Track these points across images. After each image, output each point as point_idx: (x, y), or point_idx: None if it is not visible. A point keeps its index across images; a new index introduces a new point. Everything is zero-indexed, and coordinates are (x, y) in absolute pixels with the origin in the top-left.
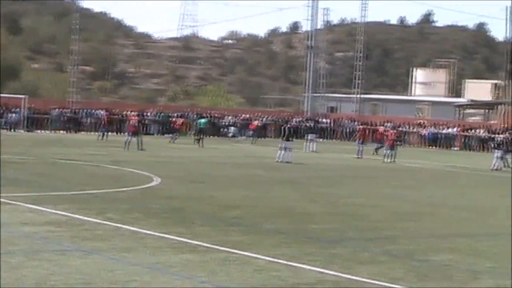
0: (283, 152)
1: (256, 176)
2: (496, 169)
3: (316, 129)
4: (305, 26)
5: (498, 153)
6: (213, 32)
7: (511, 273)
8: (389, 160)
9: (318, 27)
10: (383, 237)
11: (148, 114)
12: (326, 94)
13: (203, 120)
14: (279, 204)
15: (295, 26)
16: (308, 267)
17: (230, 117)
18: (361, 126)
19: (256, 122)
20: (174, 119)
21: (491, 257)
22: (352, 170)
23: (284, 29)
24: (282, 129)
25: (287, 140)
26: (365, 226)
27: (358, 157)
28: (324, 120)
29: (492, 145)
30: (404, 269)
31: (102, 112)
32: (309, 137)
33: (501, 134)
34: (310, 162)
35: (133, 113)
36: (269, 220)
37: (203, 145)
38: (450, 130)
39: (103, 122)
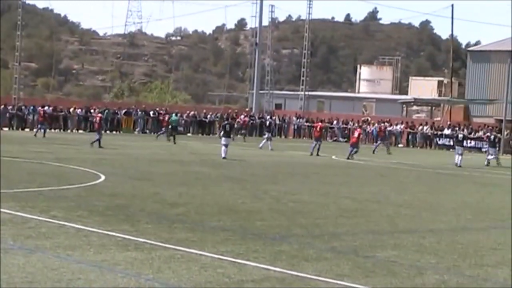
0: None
1: (201, 173)
2: (460, 166)
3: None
4: (251, 23)
5: (459, 150)
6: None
7: (455, 268)
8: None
9: (264, 24)
10: (329, 233)
11: (92, 111)
12: (272, 91)
13: (174, 118)
14: (224, 201)
15: (241, 23)
16: (254, 264)
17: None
18: (319, 124)
19: (245, 118)
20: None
21: (436, 253)
22: (298, 167)
23: (230, 26)
24: (222, 126)
25: (227, 136)
26: (311, 222)
27: (311, 154)
28: (269, 117)
29: (455, 142)
30: (350, 265)
31: (46, 109)
32: (266, 135)
33: (446, 130)
34: (256, 159)
35: (97, 110)
36: (215, 217)
37: (175, 142)
38: (397, 127)
39: (39, 118)
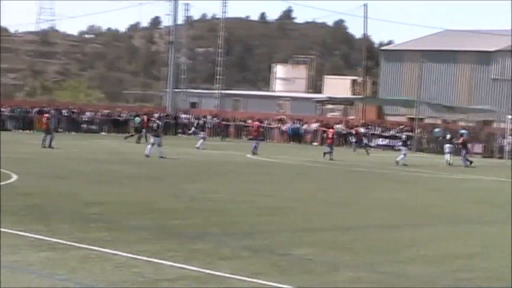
0: (150, 146)
1: (118, 172)
2: (405, 164)
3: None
4: (166, 21)
5: (404, 150)
6: (72, 26)
7: (370, 265)
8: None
9: (179, 22)
10: (244, 232)
11: (3, 109)
12: (188, 90)
13: (138, 119)
14: (141, 200)
15: (156, 21)
16: (169, 263)
17: (89, 113)
18: (256, 123)
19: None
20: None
21: (350, 250)
22: (215, 166)
23: (144, 24)
24: (152, 125)
25: (156, 136)
26: (227, 221)
27: (254, 154)
28: (184, 115)
29: (399, 142)
30: (265, 263)
31: None
32: (201, 135)
33: (361, 128)
34: (174, 158)
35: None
36: (130, 216)
37: (140, 142)
38: (312, 125)
39: None
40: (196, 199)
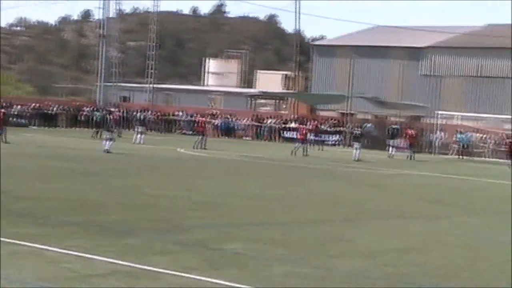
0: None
1: (49, 167)
2: (358, 160)
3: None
4: (97, 15)
5: (357, 145)
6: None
7: (302, 260)
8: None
9: (110, 15)
10: (177, 227)
11: None
12: (119, 84)
13: (98, 114)
14: (73, 196)
15: (86, 14)
16: (101, 258)
17: (19, 106)
18: (201, 118)
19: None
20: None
21: (283, 244)
22: (148, 161)
23: (75, 17)
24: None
25: (109, 130)
26: (159, 216)
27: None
28: (114, 109)
29: (352, 137)
30: (197, 258)
31: None
32: (139, 129)
33: (292, 123)
34: (101, 152)
35: None
36: (62, 211)
37: (99, 137)
38: (244, 120)
39: None
40: (128, 194)
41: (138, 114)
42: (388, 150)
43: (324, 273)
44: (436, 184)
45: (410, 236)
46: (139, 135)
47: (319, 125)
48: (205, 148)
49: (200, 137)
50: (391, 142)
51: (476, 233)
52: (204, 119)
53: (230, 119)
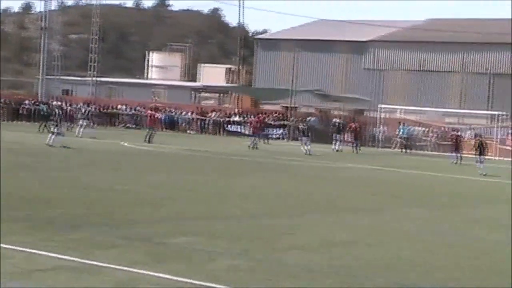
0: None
1: None
2: (310, 154)
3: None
4: (39, 7)
5: (305, 139)
6: None
7: (246, 253)
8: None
9: (52, 8)
10: (121, 221)
11: None
12: (61, 77)
13: (45, 107)
14: (17, 190)
15: (27, 6)
16: (44, 253)
17: None
18: (151, 112)
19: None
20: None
21: (228, 238)
22: (92, 155)
23: (16, 9)
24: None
25: (56, 125)
26: (103, 211)
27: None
28: (58, 103)
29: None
30: (142, 252)
31: None
32: (84, 123)
33: (237, 117)
34: (44, 146)
35: None
36: (5, 207)
37: (44, 131)
38: (188, 114)
39: None
40: (72, 189)
41: (81, 108)
42: (334, 144)
43: (269, 266)
44: (379, 177)
45: (353, 229)
46: (82, 129)
47: (266, 119)
48: (151, 142)
49: (150, 130)
50: (337, 136)
51: (419, 225)
52: (153, 112)
53: (174, 113)
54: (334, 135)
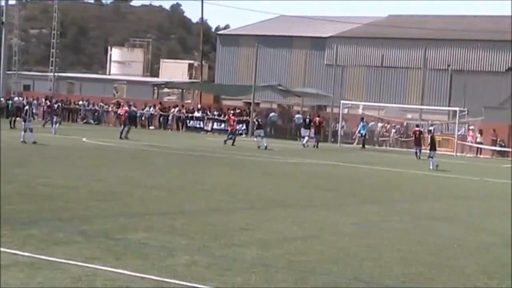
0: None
1: None
2: (266, 148)
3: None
4: None
5: (261, 133)
6: None
7: (205, 249)
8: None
9: (11, 2)
10: (79, 217)
11: None
12: (20, 72)
13: (11, 102)
14: None
15: None
16: (2, 249)
17: None
18: (125, 108)
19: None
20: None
21: (187, 234)
22: (48, 150)
23: None
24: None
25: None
26: (61, 206)
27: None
28: (18, 99)
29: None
30: (100, 248)
31: None
32: (54, 119)
33: (197, 113)
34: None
35: None
36: None
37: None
38: (149, 109)
39: None
40: (28, 184)
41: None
42: (302, 140)
43: (228, 262)
44: (337, 173)
45: (310, 224)
46: (56, 125)
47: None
48: (126, 138)
49: (125, 127)
50: (306, 132)
51: (375, 221)
52: (127, 109)
53: (135, 109)
54: (302, 131)
